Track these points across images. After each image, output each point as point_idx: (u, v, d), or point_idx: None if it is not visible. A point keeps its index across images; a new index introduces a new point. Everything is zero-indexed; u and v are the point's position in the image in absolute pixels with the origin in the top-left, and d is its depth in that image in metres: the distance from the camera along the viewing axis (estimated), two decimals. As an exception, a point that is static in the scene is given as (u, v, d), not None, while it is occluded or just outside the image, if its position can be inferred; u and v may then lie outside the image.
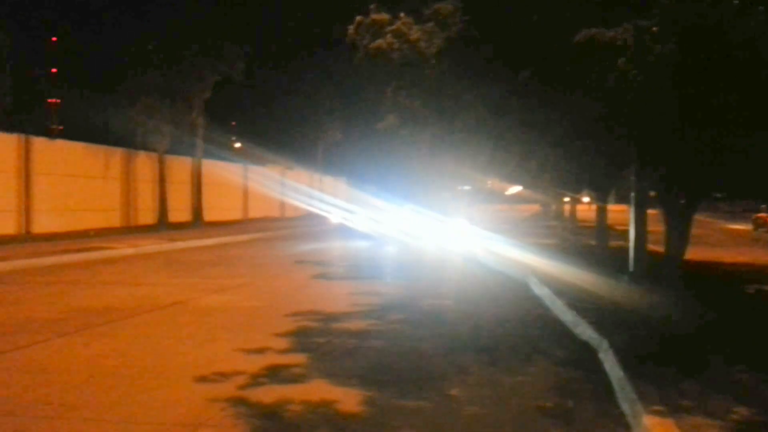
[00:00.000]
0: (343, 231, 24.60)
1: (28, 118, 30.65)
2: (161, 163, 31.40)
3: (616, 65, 10.57)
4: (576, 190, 32.92)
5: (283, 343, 7.71)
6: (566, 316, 9.18)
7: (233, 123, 45.19)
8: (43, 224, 23.75)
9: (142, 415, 5.21)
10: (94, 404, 5.50)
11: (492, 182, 50.54)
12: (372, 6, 27.66)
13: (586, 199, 42.91)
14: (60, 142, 26.67)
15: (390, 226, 22.89)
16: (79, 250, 18.67)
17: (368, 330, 8.56)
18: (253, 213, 42.05)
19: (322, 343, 7.77)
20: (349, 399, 5.57)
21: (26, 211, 23.36)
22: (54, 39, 41.50)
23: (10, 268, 15.58)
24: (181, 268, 16.27)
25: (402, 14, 27.75)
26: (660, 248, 12.62)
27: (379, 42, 29.40)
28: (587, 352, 7.31)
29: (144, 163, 30.88)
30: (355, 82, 41.90)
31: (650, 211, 12.83)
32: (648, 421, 4.76)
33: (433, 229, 23.45)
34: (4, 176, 22.57)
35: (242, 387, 5.92)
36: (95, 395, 5.76)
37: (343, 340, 7.95)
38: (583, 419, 5.18)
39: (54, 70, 40.31)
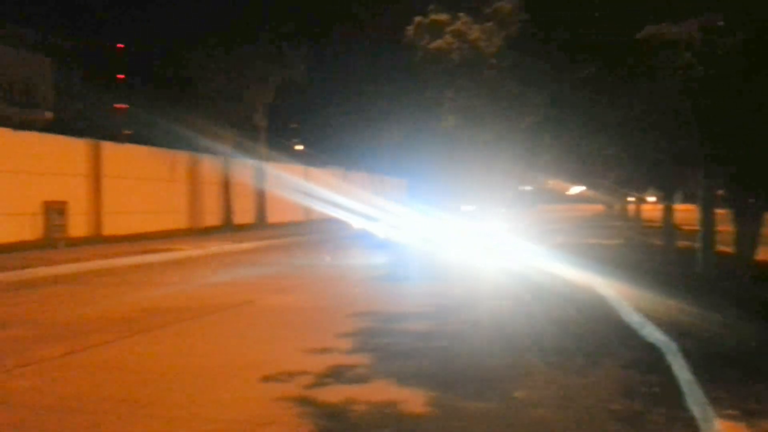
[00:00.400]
0: (368, 237, 22.08)
1: (96, 123, 31.60)
2: (225, 165, 32.02)
3: (681, 61, 10.35)
4: (641, 189, 32.25)
5: (346, 343, 7.78)
6: (632, 317, 9.01)
7: (295, 125, 45.70)
8: (112, 226, 24.46)
9: (209, 413, 5.33)
10: (163, 402, 5.66)
11: (554, 182, 49.92)
12: (431, 6, 27.54)
13: (651, 199, 42.01)
14: (128, 146, 27.43)
15: (414, 233, 20.02)
16: (147, 252, 19.18)
17: (430, 331, 8.56)
18: (315, 214, 42.47)
19: (385, 343, 7.81)
20: (413, 400, 5.59)
21: (96, 213, 24.11)
22: (120, 45, 42.74)
23: (83, 269, 16.11)
24: (246, 268, 16.56)
25: (461, 14, 27.50)
26: (730, 249, 12.27)
27: (439, 42, 29.25)
28: (655, 354, 7.16)
29: (208, 165, 31.51)
30: (414, 83, 41.93)
31: (719, 211, 12.49)
32: (720, 425, 4.65)
33: (464, 236, 20.66)
34: (75, 180, 23.34)
35: (308, 386, 6.00)
36: (164, 393, 5.92)
37: (406, 340, 7.98)
38: (652, 423, 5.08)
39: (121, 76, 41.45)
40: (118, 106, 41.08)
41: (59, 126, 26.85)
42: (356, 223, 23.42)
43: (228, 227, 30.90)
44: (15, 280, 14.22)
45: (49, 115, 31.82)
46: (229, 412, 5.35)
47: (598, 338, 8.05)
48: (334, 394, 5.76)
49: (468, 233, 20.66)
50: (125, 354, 7.47)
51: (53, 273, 15.30)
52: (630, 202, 46.29)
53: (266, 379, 6.29)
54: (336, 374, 6.41)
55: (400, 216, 20.97)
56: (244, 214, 33.42)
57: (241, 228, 31.24)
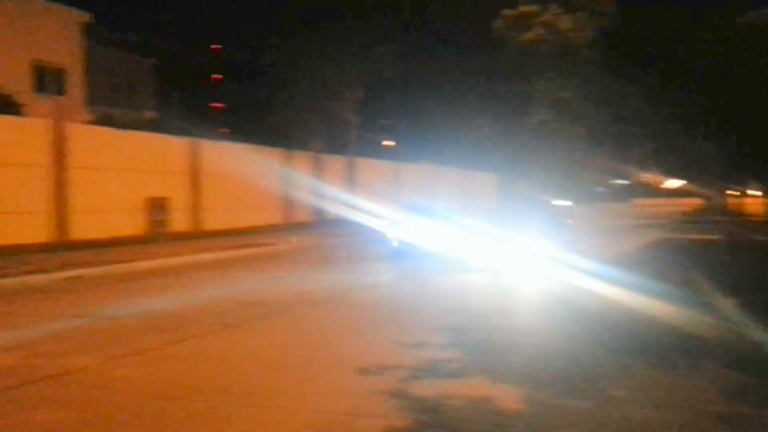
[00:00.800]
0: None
1: (195, 122, 32.71)
2: (317, 161, 32.54)
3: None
4: (743, 182, 30.89)
5: (440, 337, 7.79)
6: (735, 315, 8.65)
7: (385, 121, 46.05)
8: (211, 222, 25.26)
9: (306, 404, 5.44)
10: (261, 392, 5.80)
11: (650, 176, 48.41)
12: (520, -1, 26.91)
13: (755, 193, 40.19)
14: (224, 144, 28.23)
15: (433, 240, 16.24)
16: (243, 246, 19.74)
17: (524, 327, 8.47)
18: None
19: (479, 338, 7.77)
20: (508, 396, 5.54)
21: (196, 209, 24.95)
22: (217, 46, 44.18)
23: (183, 263, 16.75)
24: (337, 262, 16.78)
25: (551, 5, 26.92)
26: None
27: (528, 34, 28.71)
28: (760, 354, 6.85)
29: (301, 161, 32.08)
30: (504, 77, 41.49)
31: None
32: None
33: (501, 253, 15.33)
34: (176, 177, 24.22)
35: (403, 380, 6.03)
36: (261, 383, 6.08)
37: (500, 336, 7.92)
38: (760, 426, 4.88)
39: (218, 76, 42.83)
40: (214, 105, 42.48)
41: (160, 125, 27.92)
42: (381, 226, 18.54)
43: (320, 222, 31.42)
44: (120, 272, 14.93)
45: (150, 114, 33.18)
46: (325, 403, 5.44)
47: (698, 337, 7.75)
48: (428, 387, 5.78)
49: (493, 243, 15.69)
50: (223, 345, 7.72)
51: (155, 266, 15.97)
52: (731, 195, 44.44)
53: (361, 371, 6.36)
54: (430, 368, 6.42)
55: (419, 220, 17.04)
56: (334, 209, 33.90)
57: (332, 223, 31.70)
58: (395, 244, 16.79)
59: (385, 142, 45.66)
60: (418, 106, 44.51)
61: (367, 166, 37.10)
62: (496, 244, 15.45)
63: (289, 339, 8.01)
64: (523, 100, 36.96)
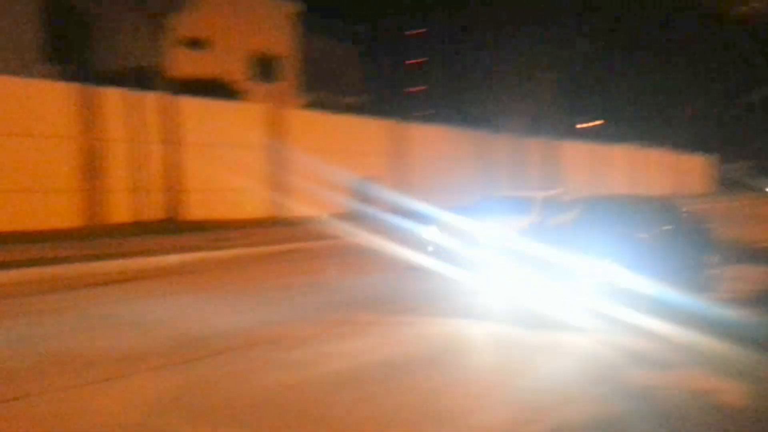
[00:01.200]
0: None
1: (398, 105, 33.70)
2: (514, 143, 32.28)
3: None
4: None
5: (655, 327, 7.51)
6: None
7: (585, 101, 44.68)
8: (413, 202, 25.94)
9: (506, 388, 5.44)
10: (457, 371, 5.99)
11: None
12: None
13: None
14: (425, 127, 28.81)
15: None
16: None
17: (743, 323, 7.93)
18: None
19: (693, 333, 7.39)
20: (730, 390, 5.20)
21: (400, 189, 25.71)
22: (418, 32, 45.01)
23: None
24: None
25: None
26: None
27: (744, 8, 26.54)
28: None
29: (499, 144, 31.97)
30: (719, 51, 38.61)
31: None
32: None
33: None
34: (383, 158, 25.11)
35: (611, 366, 5.90)
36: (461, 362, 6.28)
37: (719, 331, 7.47)
38: None
39: (420, 60, 43.69)
40: (413, 89, 43.44)
41: (365, 108, 29.06)
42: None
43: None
44: (330, 246, 15.88)
45: (356, 98, 34.60)
46: (532, 384, 5.48)
47: None
48: (639, 376, 5.59)
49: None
50: (388, 335, 7.35)
51: (365, 242, 16.75)
52: None
53: (567, 356, 6.33)
54: (642, 357, 6.18)
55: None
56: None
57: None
58: (430, 248, 13.30)
59: (582, 125, 44.19)
60: (621, 85, 42.66)
61: (564, 148, 36.25)
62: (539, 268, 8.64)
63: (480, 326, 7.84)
64: (742, 77, 34.24)
